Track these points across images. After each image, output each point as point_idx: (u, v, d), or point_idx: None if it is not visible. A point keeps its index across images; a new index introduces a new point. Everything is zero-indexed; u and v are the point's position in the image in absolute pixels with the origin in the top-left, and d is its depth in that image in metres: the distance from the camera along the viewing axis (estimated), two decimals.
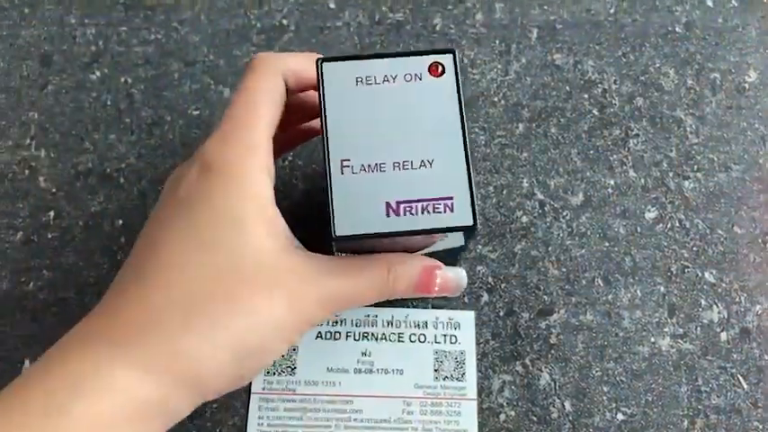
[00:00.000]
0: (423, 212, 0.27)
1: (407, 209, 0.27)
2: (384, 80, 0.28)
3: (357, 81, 0.28)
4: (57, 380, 0.25)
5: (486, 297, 0.43)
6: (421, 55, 0.29)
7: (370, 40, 0.50)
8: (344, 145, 0.28)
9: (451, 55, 0.29)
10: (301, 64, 0.31)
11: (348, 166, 0.28)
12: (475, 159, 0.47)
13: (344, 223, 0.27)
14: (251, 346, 0.27)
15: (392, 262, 0.31)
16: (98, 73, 0.50)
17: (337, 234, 0.27)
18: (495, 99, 0.49)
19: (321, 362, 0.41)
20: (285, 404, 0.40)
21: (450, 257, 0.35)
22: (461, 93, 0.29)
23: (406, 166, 0.28)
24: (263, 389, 0.40)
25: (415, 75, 0.29)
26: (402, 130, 0.28)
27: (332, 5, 0.52)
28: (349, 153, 0.28)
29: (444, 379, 0.41)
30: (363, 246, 0.30)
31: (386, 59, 0.29)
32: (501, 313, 0.43)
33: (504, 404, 0.41)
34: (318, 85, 0.29)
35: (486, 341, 0.42)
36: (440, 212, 0.27)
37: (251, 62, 0.31)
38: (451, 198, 0.28)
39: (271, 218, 0.29)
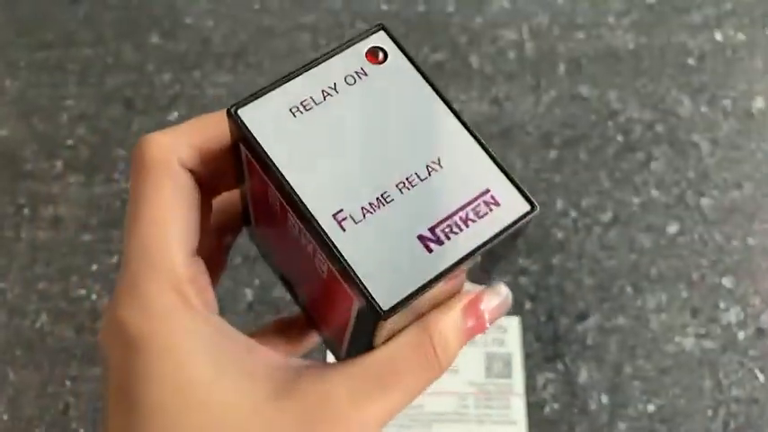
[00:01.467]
0: (466, 225, 0.20)
1: (447, 230, 0.20)
2: (325, 96, 0.21)
3: (293, 112, 0.21)
4: None
5: (528, 305, 0.49)
6: (348, 47, 0.22)
7: None
8: (325, 195, 0.20)
9: (382, 32, 0.22)
10: (202, 132, 0.23)
11: (346, 218, 0.20)
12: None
13: (385, 292, 0.19)
14: None
15: (431, 329, 0.22)
16: (176, 113, 0.56)
17: (385, 310, 0.19)
18: (529, 129, 0.55)
19: None
20: None
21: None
22: (420, 67, 0.22)
23: (413, 182, 0.21)
24: None
25: (356, 72, 0.22)
26: (381, 143, 0.21)
27: None
28: (337, 202, 0.20)
29: (494, 377, 0.47)
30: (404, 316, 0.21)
31: (311, 70, 0.22)
32: (542, 319, 0.48)
33: (548, 398, 0.46)
34: (244, 144, 0.21)
35: (530, 343, 0.48)
36: (486, 214, 0.21)
37: (135, 158, 0.22)
38: (488, 191, 0.21)
39: (236, 387, 0.20)
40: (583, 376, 0.47)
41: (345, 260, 0.20)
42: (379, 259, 0.20)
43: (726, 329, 0.48)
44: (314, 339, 0.30)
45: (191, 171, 0.22)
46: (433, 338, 0.21)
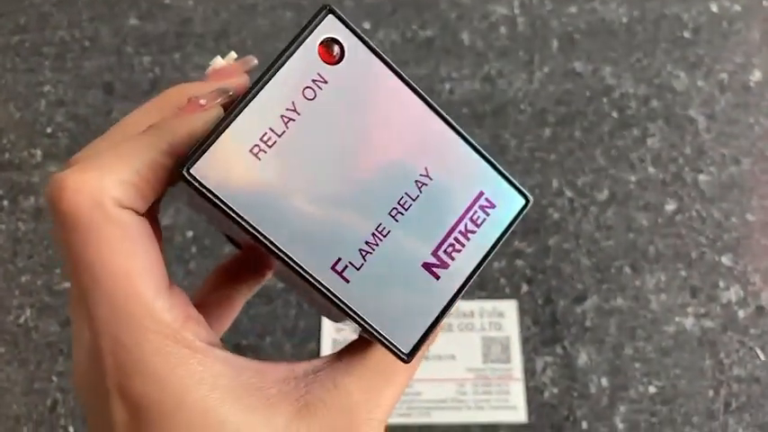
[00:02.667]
0: (467, 238, 0.20)
1: (450, 250, 0.20)
2: (286, 122, 0.18)
3: (255, 153, 0.18)
4: None
5: (525, 287, 0.48)
6: (297, 48, 0.18)
7: (404, 57, 0.55)
8: (318, 247, 0.18)
9: (331, 16, 0.19)
10: (132, 161, 0.18)
11: (347, 267, 0.19)
12: (507, 163, 0.51)
13: (403, 335, 0.19)
14: None
15: None
16: None
17: (408, 355, 0.19)
18: (522, 106, 0.53)
19: None
20: None
21: None
22: (382, 54, 0.19)
23: (405, 204, 0.19)
24: None
25: (314, 81, 0.18)
26: (364, 166, 0.19)
27: (367, 26, 0.56)
28: (333, 251, 0.19)
29: (492, 362, 0.46)
30: None
31: (262, 93, 0.18)
32: (540, 301, 0.47)
33: (548, 382, 0.45)
34: (211, 204, 0.18)
35: (528, 327, 0.47)
36: (484, 220, 0.20)
37: (60, 212, 0.18)
38: (482, 193, 0.20)
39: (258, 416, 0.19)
40: (582, 359, 0.46)
41: (360, 315, 0.19)
42: (391, 303, 0.19)
43: (726, 308, 0.47)
44: (269, 275, 0.29)
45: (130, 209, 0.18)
46: None
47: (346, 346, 0.22)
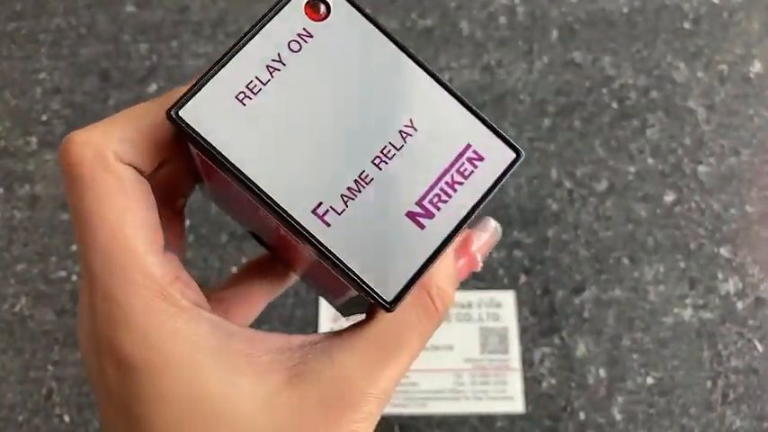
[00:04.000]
0: (454, 189, 0.19)
1: (435, 200, 0.19)
2: (271, 72, 0.19)
3: (240, 99, 0.19)
4: None
5: (523, 278, 0.48)
6: (283, 6, 0.19)
7: None
8: (299, 190, 0.19)
9: None
10: (134, 123, 0.20)
11: (327, 212, 0.19)
12: None
13: (386, 283, 0.19)
14: None
15: (428, 285, 0.22)
16: (154, 86, 0.54)
17: (390, 301, 0.19)
18: (522, 96, 0.53)
19: None
20: None
21: None
22: (369, 14, 0.20)
23: (389, 153, 0.19)
24: None
25: (299, 35, 0.19)
26: (347, 115, 0.19)
27: None
28: (314, 195, 0.19)
29: (490, 353, 0.46)
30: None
31: (248, 45, 0.19)
32: (538, 292, 0.47)
33: (546, 373, 0.45)
34: (196, 147, 0.19)
35: (526, 318, 0.47)
36: (472, 172, 0.20)
37: (65, 163, 0.19)
38: (469, 146, 0.20)
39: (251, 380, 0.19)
40: (580, 350, 0.46)
41: (339, 259, 0.19)
42: (373, 249, 0.19)
43: (724, 300, 0.47)
44: (293, 278, 0.29)
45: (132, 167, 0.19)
46: (431, 293, 0.21)
47: (348, 327, 0.21)
